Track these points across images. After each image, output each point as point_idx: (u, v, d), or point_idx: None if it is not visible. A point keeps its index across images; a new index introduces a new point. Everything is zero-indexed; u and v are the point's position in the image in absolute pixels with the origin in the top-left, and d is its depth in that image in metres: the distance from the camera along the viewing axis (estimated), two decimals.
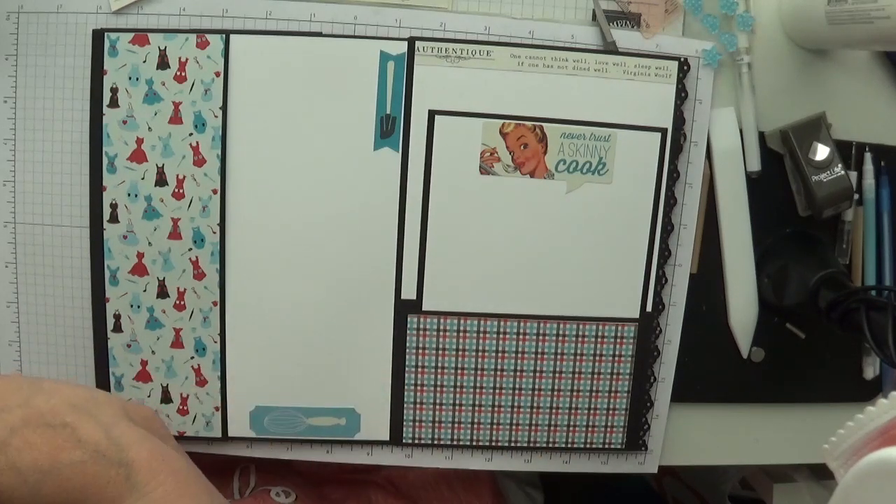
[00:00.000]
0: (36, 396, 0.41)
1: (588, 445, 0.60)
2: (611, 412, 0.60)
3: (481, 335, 0.58)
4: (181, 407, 0.57)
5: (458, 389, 0.58)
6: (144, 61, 0.53)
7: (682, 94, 0.56)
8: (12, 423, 0.40)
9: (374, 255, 0.56)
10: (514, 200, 0.56)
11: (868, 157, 0.58)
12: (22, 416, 0.40)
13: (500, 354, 0.58)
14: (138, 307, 0.56)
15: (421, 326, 0.57)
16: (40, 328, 0.57)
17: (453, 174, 0.55)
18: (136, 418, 0.45)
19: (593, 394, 0.59)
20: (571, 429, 0.60)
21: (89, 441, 0.40)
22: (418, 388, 0.58)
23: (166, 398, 0.57)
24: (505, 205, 0.56)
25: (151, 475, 0.40)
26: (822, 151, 0.55)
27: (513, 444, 0.60)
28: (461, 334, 0.58)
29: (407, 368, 0.58)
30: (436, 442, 0.59)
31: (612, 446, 0.60)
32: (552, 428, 0.59)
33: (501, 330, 0.58)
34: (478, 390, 0.59)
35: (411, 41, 0.54)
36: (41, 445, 0.40)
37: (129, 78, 0.53)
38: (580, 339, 0.58)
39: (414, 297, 0.57)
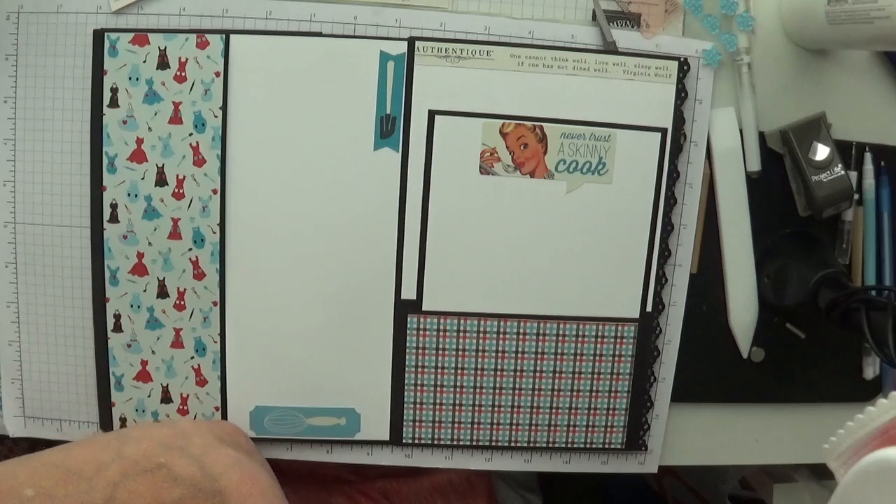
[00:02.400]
0: (126, 447, 0.44)
1: (588, 445, 0.60)
2: (611, 412, 0.60)
3: (481, 335, 0.58)
4: (181, 407, 0.57)
5: (458, 389, 0.58)
6: (144, 61, 0.53)
7: (682, 94, 0.56)
8: (113, 479, 0.42)
9: (374, 254, 0.56)
10: (514, 200, 0.56)
11: (868, 157, 0.58)
12: (119, 469, 0.43)
13: (500, 354, 0.58)
14: (138, 307, 0.56)
15: (421, 326, 0.57)
16: (40, 328, 0.57)
17: (453, 174, 0.55)
18: (223, 437, 0.46)
19: (593, 394, 0.59)
20: (571, 429, 0.60)
21: (185, 477, 0.43)
22: (418, 388, 0.58)
23: (166, 398, 0.57)
24: (505, 205, 0.56)
25: (242, 500, 0.43)
26: (822, 151, 0.55)
27: (513, 444, 0.60)
28: (461, 334, 0.58)
29: (407, 368, 0.58)
30: (436, 442, 0.59)
31: (612, 446, 0.60)
32: (552, 428, 0.59)
33: (501, 330, 0.58)
34: (478, 390, 0.59)
35: (411, 41, 0.54)
36: (144, 492, 0.42)
37: (129, 78, 0.53)
38: (580, 338, 0.58)
39: (414, 297, 0.57)
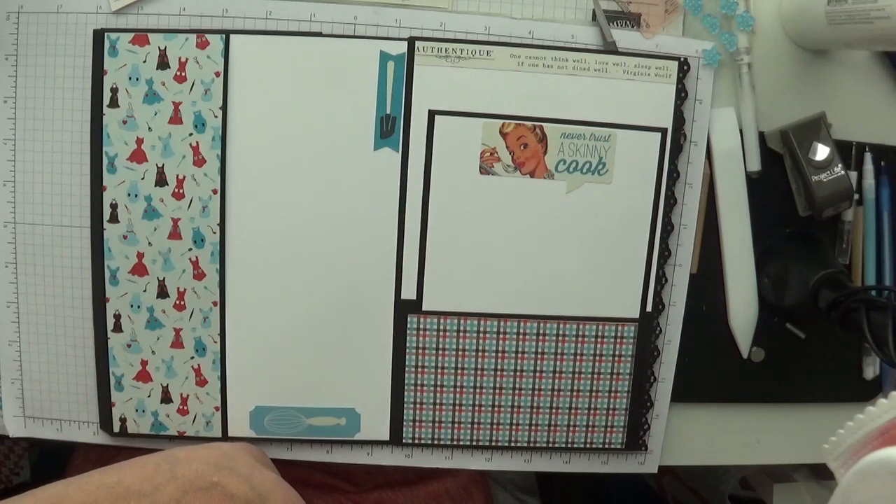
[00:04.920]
0: (177, 467, 0.44)
1: (588, 445, 0.60)
2: (611, 412, 0.60)
3: (481, 335, 0.58)
4: (181, 407, 0.57)
5: (458, 389, 0.58)
6: (144, 61, 0.53)
7: (682, 94, 0.56)
8: (173, 495, 0.43)
9: (374, 254, 0.56)
10: (514, 200, 0.56)
11: (868, 157, 0.58)
12: (177, 486, 0.43)
13: (500, 354, 0.58)
14: (138, 307, 0.56)
15: (421, 326, 0.57)
16: (40, 328, 0.57)
17: (453, 174, 0.55)
18: (258, 458, 0.48)
19: (593, 394, 0.59)
20: (571, 429, 0.60)
21: (239, 495, 0.44)
22: (418, 388, 0.58)
23: (166, 398, 0.57)
24: (505, 205, 0.56)
25: None
26: (822, 151, 0.55)
27: (513, 445, 0.60)
28: (461, 334, 0.58)
29: (407, 368, 0.58)
30: (436, 442, 0.59)
31: (612, 446, 0.60)
32: (552, 428, 0.59)
33: (501, 330, 0.58)
34: (478, 390, 0.59)
35: (411, 41, 0.54)
36: None
37: (129, 78, 0.53)
38: (580, 338, 0.58)
39: (414, 297, 0.57)
